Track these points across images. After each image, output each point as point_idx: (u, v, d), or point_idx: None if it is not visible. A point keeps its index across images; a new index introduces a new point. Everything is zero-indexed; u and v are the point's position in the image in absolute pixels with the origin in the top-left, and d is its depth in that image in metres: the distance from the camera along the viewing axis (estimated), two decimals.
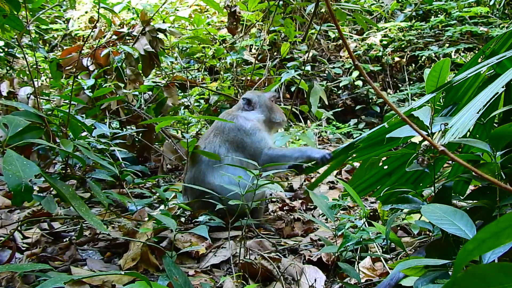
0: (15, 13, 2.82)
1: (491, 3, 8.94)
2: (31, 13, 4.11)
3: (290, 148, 3.58)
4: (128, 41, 5.51)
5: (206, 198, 3.11)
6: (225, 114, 3.62)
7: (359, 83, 9.01)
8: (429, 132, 1.99)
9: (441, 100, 2.59)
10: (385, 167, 2.71)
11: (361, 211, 2.59)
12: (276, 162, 3.25)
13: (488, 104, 1.88)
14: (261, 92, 3.87)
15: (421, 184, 2.71)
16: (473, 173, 1.90)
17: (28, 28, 3.28)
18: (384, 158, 2.71)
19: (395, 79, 9.32)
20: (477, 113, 1.76)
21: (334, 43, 9.83)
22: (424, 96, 2.24)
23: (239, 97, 6.26)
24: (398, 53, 9.19)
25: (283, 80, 5.06)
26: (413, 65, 9.44)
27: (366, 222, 2.46)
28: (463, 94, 2.48)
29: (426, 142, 2.06)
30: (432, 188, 2.09)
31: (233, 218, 2.82)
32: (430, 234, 2.38)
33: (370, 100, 9.07)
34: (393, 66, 9.28)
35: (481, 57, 2.54)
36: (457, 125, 1.76)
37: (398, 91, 9.07)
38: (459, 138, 1.68)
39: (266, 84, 6.72)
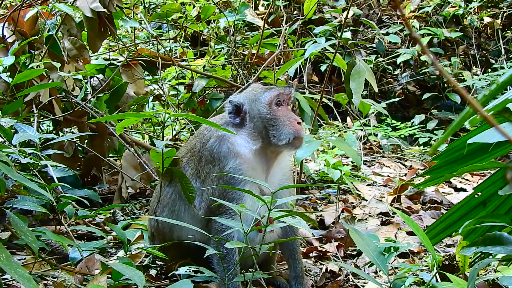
0: None
1: None
2: None
3: None
4: None
5: (189, 239, 3.15)
6: (204, 131, 3.54)
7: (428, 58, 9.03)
8: None
9: None
10: (478, 194, 2.72)
11: (431, 259, 2.60)
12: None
13: None
14: (262, 88, 3.62)
15: None
16: None
17: None
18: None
19: (484, 52, 9.35)
20: None
21: None
22: None
23: (239, 81, 6.32)
24: (488, 10, 9.21)
25: (307, 55, 5.10)
26: None
27: (438, 275, 2.47)
28: None
29: None
30: None
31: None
32: None
33: (446, 85, 9.08)
34: (481, 32, 9.31)
35: None
36: None
37: (489, 70, 9.09)
38: None
39: (281, 62, 6.76)
